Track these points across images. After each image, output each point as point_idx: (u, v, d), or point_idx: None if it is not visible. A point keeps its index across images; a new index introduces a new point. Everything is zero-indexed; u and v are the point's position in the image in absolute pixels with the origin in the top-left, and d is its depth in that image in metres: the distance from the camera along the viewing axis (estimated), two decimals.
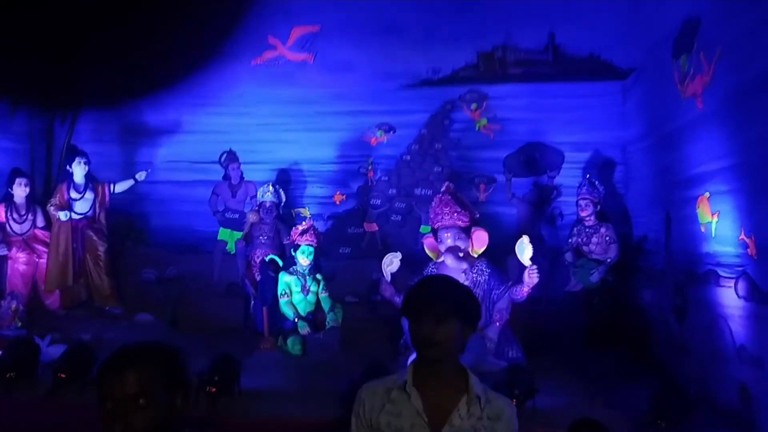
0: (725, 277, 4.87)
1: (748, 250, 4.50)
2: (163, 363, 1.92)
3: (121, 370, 1.85)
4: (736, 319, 4.68)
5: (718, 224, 5.03)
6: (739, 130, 4.76)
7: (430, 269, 6.25)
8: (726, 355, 4.80)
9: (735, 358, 4.66)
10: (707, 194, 5.24)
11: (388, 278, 5.96)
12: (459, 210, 6.18)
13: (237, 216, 8.55)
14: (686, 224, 5.69)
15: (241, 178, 8.61)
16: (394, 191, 8.74)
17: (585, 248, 7.19)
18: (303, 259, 6.83)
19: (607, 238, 7.07)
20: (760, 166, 4.43)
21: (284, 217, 8.18)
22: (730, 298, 4.75)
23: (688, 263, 5.62)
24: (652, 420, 4.29)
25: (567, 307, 7.13)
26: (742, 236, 4.59)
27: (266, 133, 8.79)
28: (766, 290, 4.26)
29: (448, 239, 6.15)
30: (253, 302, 7.57)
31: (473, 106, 8.53)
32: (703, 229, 5.31)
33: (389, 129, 8.74)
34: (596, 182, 7.30)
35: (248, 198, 8.57)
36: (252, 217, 7.92)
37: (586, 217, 7.19)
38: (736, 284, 4.68)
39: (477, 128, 8.54)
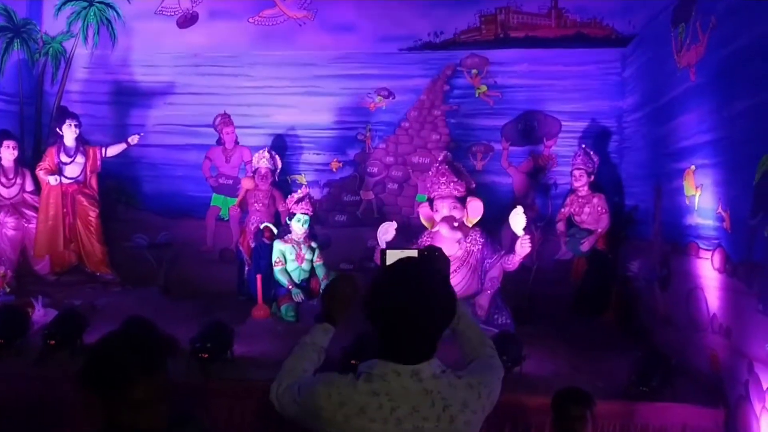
0: (704, 249, 5.27)
1: (724, 223, 4.89)
2: (165, 360, 2.00)
3: (133, 380, 1.92)
4: (711, 290, 5.10)
5: (701, 197, 5.39)
6: (724, 104, 5.03)
7: (425, 238, 6.67)
8: (701, 324, 5.25)
9: (708, 328, 5.11)
10: (693, 167, 5.58)
11: (384, 247, 6.39)
12: (455, 180, 6.62)
13: (231, 182, 8.86)
14: (674, 196, 6.01)
15: (236, 143, 8.85)
16: (392, 159, 9.01)
17: (577, 218, 7.68)
18: (298, 227, 7.09)
19: (599, 209, 7.54)
20: (740, 141, 4.74)
21: (280, 183, 8.40)
22: (707, 269, 5.16)
23: (673, 235, 6.00)
24: (635, 386, 4.73)
25: (556, 276, 7.63)
26: (719, 209, 4.98)
27: (262, 96, 8.96)
28: (737, 262, 4.68)
29: (444, 209, 6.58)
30: (247, 269, 7.95)
31: (473, 72, 8.82)
32: (687, 202, 5.67)
33: (388, 94, 8.96)
34: (591, 152, 7.70)
35: (243, 164, 8.83)
36: (246, 184, 8.14)
37: (580, 187, 7.65)
38: (712, 256, 5.10)
39: (477, 95, 8.81)
